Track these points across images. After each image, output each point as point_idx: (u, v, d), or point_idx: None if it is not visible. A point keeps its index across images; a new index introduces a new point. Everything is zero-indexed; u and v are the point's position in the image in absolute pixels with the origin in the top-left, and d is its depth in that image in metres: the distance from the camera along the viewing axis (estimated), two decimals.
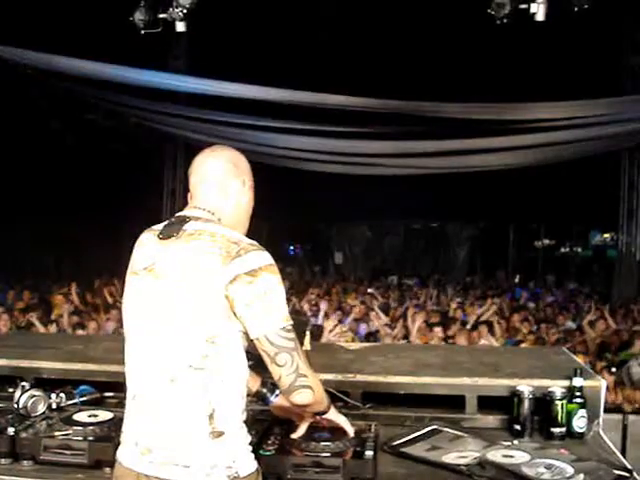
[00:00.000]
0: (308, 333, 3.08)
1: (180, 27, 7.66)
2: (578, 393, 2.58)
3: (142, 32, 7.74)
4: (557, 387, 2.62)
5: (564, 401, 2.57)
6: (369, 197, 16.59)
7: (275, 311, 1.89)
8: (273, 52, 11.57)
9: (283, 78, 9.18)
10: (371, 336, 7.63)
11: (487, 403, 2.79)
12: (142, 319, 1.99)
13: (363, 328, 8.50)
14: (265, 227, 14.04)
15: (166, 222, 2.06)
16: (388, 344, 6.16)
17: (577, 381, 2.59)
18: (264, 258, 1.91)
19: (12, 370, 3.02)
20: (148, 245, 2.04)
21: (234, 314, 1.89)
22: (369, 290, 12.83)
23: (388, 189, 14.83)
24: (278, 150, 11.91)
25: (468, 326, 7.72)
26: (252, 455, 2.01)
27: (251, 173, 2.16)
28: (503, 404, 2.72)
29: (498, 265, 19.29)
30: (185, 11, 7.28)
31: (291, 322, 1.91)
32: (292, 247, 22.33)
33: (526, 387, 2.63)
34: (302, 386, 1.91)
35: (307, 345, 3.01)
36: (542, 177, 14.35)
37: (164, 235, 2.00)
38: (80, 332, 7.04)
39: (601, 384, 2.70)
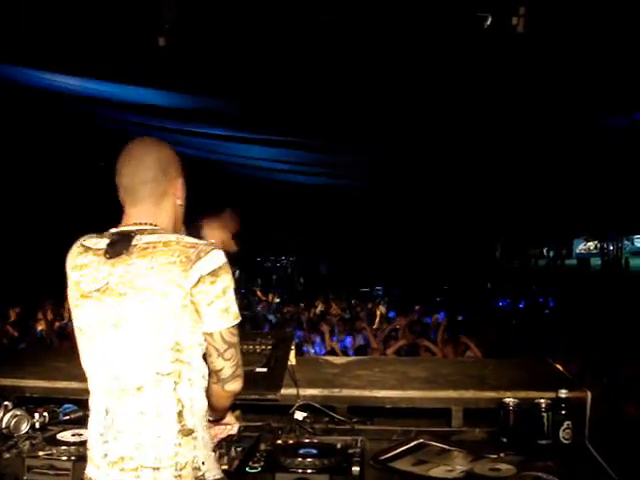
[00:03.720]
0: (293, 347, 3.07)
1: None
2: (563, 404, 2.58)
3: None
4: (543, 399, 2.62)
5: (550, 412, 2.58)
6: None
7: (231, 309, 1.95)
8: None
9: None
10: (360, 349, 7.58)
11: (473, 416, 2.79)
12: (103, 338, 1.96)
13: (349, 341, 8.48)
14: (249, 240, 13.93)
15: (107, 240, 1.99)
16: (374, 358, 6.15)
17: (562, 392, 2.60)
18: (221, 257, 1.94)
19: None
20: (92, 266, 1.98)
21: (198, 314, 1.92)
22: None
23: None
24: (250, 161, 11.86)
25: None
26: (218, 464, 2.03)
27: (180, 167, 2.09)
28: (489, 416, 2.73)
29: None
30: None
31: (240, 319, 1.99)
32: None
33: (512, 399, 2.64)
34: (239, 375, 2.02)
35: (292, 359, 2.99)
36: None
37: (111, 254, 1.95)
38: None
39: (586, 395, 2.71)
